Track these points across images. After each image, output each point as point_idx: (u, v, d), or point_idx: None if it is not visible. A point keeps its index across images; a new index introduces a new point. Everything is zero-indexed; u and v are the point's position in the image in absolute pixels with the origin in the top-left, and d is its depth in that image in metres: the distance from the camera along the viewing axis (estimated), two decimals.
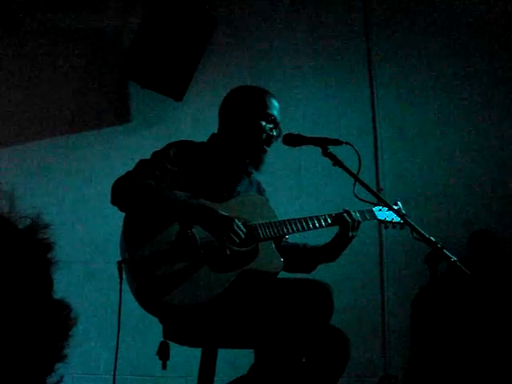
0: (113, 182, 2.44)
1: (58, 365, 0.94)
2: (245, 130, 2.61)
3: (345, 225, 2.57)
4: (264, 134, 2.61)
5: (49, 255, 0.97)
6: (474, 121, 4.90)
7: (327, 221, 2.61)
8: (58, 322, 0.94)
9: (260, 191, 2.79)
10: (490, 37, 4.90)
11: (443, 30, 4.93)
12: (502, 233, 4.58)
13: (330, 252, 2.65)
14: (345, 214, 2.59)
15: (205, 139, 2.72)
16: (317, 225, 2.60)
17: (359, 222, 2.61)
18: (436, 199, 4.78)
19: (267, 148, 2.63)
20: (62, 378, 0.94)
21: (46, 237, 0.97)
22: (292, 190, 4.62)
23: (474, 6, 4.92)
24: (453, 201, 4.78)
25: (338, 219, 2.59)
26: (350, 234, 2.59)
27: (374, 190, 2.47)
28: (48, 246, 0.97)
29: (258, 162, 2.63)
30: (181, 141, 2.62)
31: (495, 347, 4.01)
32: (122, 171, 2.47)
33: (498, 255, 4.42)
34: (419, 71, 4.92)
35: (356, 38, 4.90)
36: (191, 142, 2.64)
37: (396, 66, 4.90)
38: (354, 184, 2.40)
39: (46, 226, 0.98)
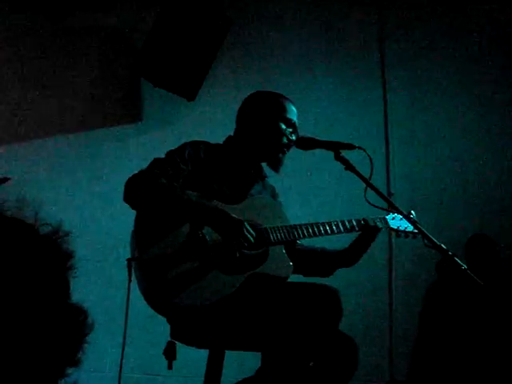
0: (123, 180, 2.44)
1: (72, 369, 0.94)
2: (265, 132, 2.61)
3: (371, 231, 2.58)
4: (284, 138, 2.61)
5: (68, 263, 0.97)
6: (485, 126, 4.88)
7: (339, 227, 2.61)
8: (73, 326, 0.94)
9: (274, 196, 2.78)
10: (503, 42, 4.88)
11: (456, 35, 4.92)
12: (510, 240, 4.55)
13: (349, 257, 2.65)
14: (369, 220, 2.60)
15: (216, 139, 2.71)
16: (329, 231, 2.60)
17: (379, 230, 2.61)
18: (446, 204, 4.76)
19: (286, 151, 2.63)
20: (75, 382, 0.94)
21: (66, 245, 0.98)
22: (303, 193, 4.61)
23: (487, 12, 4.91)
24: (463, 206, 4.75)
25: (353, 227, 2.60)
26: (371, 240, 2.60)
27: (385, 195, 2.45)
28: (68, 255, 0.98)
29: (277, 164, 2.63)
30: (196, 141, 2.62)
31: (499, 354, 3.99)
32: (132, 170, 2.47)
33: (495, 260, 4.38)
34: (431, 76, 4.90)
35: (369, 42, 4.89)
36: (207, 142, 2.64)
37: (409, 71, 4.89)
38: (366, 189, 2.39)
39: (67, 235, 0.98)
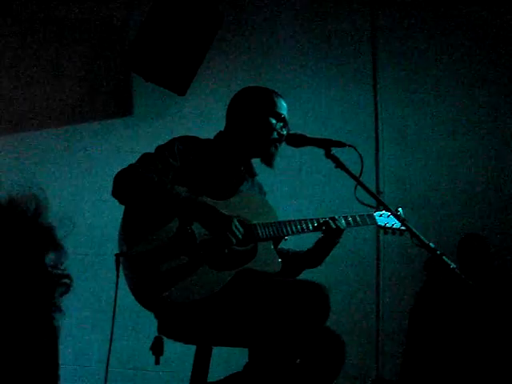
0: (113, 174, 2.42)
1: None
2: (255, 127, 2.61)
3: (329, 231, 2.57)
4: (275, 132, 2.61)
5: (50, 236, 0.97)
6: (475, 126, 4.91)
7: (313, 223, 2.60)
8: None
9: (261, 193, 2.78)
10: (493, 42, 4.91)
11: (447, 36, 4.94)
12: (500, 240, 4.58)
13: (313, 258, 2.65)
14: (330, 221, 2.57)
15: (207, 134, 2.71)
16: (316, 225, 2.59)
17: (342, 230, 2.59)
18: (436, 204, 4.78)
19: (278, 145, 2.62)
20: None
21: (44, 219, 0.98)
22: (292, 190, 4.61)
23: (478, 13, 4.94)
24: (453, 206, 4.78)
25: (321, 225, 2.58)
26: (334, 240, 2.59)
27: (375, 193, 2.46)
28: (49, 229, 0.98)
29: (270, 159, 2.62)
30: (186, 136, 2.60)
31: (490, 352, 4.01)
32: (122, 164, 2.45)
33: (488, 260, 4.40)
34: (422, 76, 4.92)
35: (361, 41, 4.90)
36: (197, 138, 2.63)
37: (400, 71, 4.90)
38: (356, 187, 2.39)
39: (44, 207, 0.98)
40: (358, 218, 2.68)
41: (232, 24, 4.64)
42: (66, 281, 0.99)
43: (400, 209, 2.71)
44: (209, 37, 4.40)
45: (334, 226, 2.57)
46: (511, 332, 3.98)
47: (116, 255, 2.38)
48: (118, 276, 2.37)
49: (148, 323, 2.60)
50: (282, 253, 2.66)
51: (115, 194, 2.40)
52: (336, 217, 2.61)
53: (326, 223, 2.58)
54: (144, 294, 2.36)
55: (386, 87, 4.87)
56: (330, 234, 2.57)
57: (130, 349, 4.10)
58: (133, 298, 2.39)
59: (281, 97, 2.69)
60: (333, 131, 4.40)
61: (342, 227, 2.58)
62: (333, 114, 4.79)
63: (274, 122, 2.61)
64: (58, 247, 0.98)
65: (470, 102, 4.93)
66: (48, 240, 0.98)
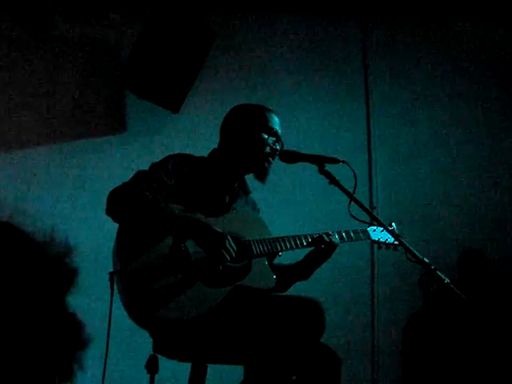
0: (107, 192, 2.42)
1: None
2: (247, 142, 2.61)
3: (322, 246, 2.58)
4: (267, 147, 2.61)
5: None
6: (467, 140, 4.94)
7: (307, 239, 2.61)
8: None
9: (255, 210, 2.78)
10: (485, 57, 4.97)
11: (438, 51, 5.00)
12: (494, 253, 4.59)
13: (302, 270, 2.66)
14: (324, 235, 2.60)
15: (200, 151, 2.71)
16: (310, 242, 2.60)
17: (336, 246, 2.61)
18: (429, 218, 4.80)
19: (272, 160, 2.63)
20: None
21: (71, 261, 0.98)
22: (287, 207, 4.62)
23: (470, 28, 5.01)
24: (445, 221, 4.80)
25: (315, 240, 2.60)
26: (326, 255, 2.60)
27: (368, 208, 2.47)
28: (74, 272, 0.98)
29: (263, 174, 2.63)
30: (180, 154, 2.61)
31: (486, 366, 4.01)
32: (116, 181, 2.45)
33: (488, 275, 4.42)
34: (415, 92, 4.96)
35: (353, 58, 4.94)
36: (191, 156, 2.63)
37: (392, 86, 4.94)
38: (350, 203, 2.40)
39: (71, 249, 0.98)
40: (351, 234, 2.70)
41: (225, 42, 4.67)
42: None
43: (393, 223, 2.73)
44: (202, 54, 4.42)
45: (327, 241, 2.58)
46: (509, 345, 3.98)
47: (110, 273, 2.37)
48: (112, 294, 2.37)
49: (143, 341, 2.59)
50: (273, 267, 2.66)
51: (109, 212, 2.40)
52: (330, 232, 2.63)
53: (319, 238, 2.59)
54: (138, 312, 2.35)
55: (378, 102, 4.90)
56: (323, 249, 2.58)
57: (125, 367, 4.07)
58: (127, 316, 2.38)
59: (273, 112, 2.70)
60: (326, 147, 4.42)
61: (336, 242, 2.60)
62: (326, 130, 4.81)
63: (266, 136, 2.61)
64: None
65: (462, 115, 4.97)
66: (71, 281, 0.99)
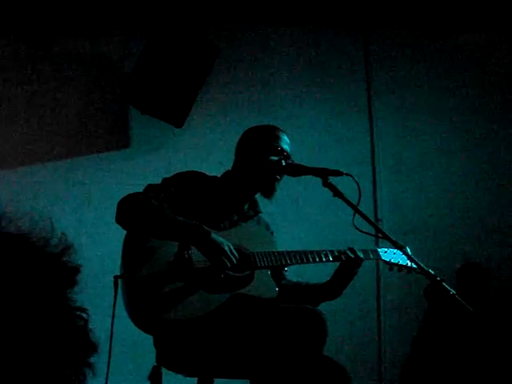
0: (110, 206, 2.45)
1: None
2: (259, 165, 2.60)
3: (348, 262, 2.55)
4: (276, 168, 2.59)
5: (75, 277, 0.98)
6: (471, 152, 4.94)
7: (328, 257, 2.58)
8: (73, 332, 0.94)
9: (267, 230, 2.76)
10: (488, 69, 4.98)
11: (441, 63, 5.00)
12: (499, 265, 4.57)
13: (331, 290, 2.63)
14: (348, 251, 2.57)
15: (204, 166, 2.73)
16: (317, 259, 2.58)
17: (362, 260, 2.57)
18: (434, 229, 4.78)
19: (279, 177, 2.62)
20: None
21: (71, 258, 0.99)
22: (291, 220, 4.61)
23: (472, 40, 5.02)
24: (451, 231, 4.78)
25: (340, 256, 2.57)
26: (353, 271, 2.57)
27: (373, 220, 2.46)
28: (75, 269, 0.99)
29: (270, 192, 2.61)
30: (193, 172, 2.64)
31: (491, 378, 3.99)
32: (119, 196, 2.47)
33: (486, 288, 4.39)
34: (417, 104, 4.97)
35: (356, 71, 4.95)
36: (203, 174, 2.65)
37: (395, 99, 4.95)
38: (354, 215, 2.39)
39: (70, 247, 1.00)
40: (361, 253, 2.64)
41: (228, 56, 4.69)
42: (84, 315, 1.00)
43: (407, 247, 2.53)
44: (205, 69, 4.44)
45: (351, 256, 2.54)
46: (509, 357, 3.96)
47: (115, 277, 2.40)
48: (115, 297, 2.39)
49: (146, 352, 2.58)
50: (297, 286, 2.66)
51: (118, 219, 2.43)
52: (340, 250, 2.60)
53: (344, 254, 2.56)
54: (142, 316, 2.36)
55: (382, 115, 4.91)
56: (348, 265, 2.55)
57: (127, 378, 4.04)
58: (130, 325, 2.38)
59: (282, 131, 2.68)
60: (330, 160, 4.42)
61: (359, 257, 2.55)
62: (329, 144, 4.82)
63: (275, 158, 2.61)
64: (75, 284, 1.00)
65: (465, 127, 4.96)
66: (73, 279, 0.99)
